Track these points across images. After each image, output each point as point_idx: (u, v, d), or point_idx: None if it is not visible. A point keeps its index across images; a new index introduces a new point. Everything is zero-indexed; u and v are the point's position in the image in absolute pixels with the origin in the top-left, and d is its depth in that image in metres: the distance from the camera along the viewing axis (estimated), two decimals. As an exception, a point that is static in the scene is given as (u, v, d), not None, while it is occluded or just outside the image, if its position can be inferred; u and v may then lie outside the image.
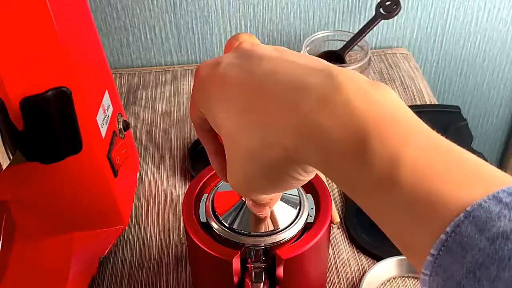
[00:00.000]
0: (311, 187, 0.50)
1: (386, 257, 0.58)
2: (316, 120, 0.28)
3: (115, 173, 0.58)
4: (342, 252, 0.60)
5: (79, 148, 0.49)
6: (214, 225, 0.46)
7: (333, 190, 0.67)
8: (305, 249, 0.45)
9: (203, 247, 0.45)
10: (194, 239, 0.46)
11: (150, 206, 0.66)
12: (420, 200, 0.25)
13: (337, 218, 0.63)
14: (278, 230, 0.46)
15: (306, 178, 0.33)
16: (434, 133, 0.28)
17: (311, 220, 0.47)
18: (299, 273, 0.47)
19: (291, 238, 0.46)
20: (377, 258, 0.59)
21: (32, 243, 0.57)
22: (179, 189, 0.68)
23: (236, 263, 0.45)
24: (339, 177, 0.29)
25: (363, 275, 0.57)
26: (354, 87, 0.28)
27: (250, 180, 0.33)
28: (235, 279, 0.46)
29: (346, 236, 0.62)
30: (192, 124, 0.77)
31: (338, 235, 0.62)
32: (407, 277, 0.57)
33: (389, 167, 0.26)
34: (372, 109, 0.27)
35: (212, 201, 0.48)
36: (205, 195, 0.50)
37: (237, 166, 0.33)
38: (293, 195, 0.48)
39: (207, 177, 0.51)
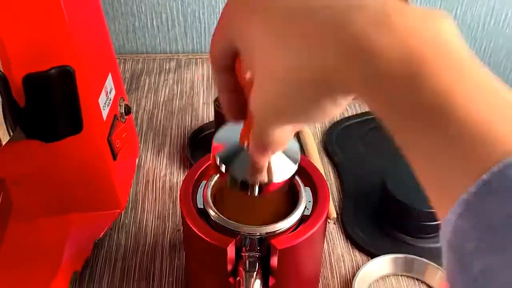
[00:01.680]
0: (309, 181, 0.50)
1: (380, 255, 0.58)
2: (369, 38, 0.26)
3: (114, 157, 0.58)
4: (337, 247, 0.60)
5: (80, 129, 0.49)
6: (211, 212, 0.46)
7: (332, 185, 0.67)
8: (300, 240, 0.45)
9: (198, 233, 0.45)
10: (190, 225, 0.46)
11: (148, 192, 0.66)
12: (468, 137, 0.24)
13: (333, 214, 0.63)
14: (275, 220, 0.46)
15: (334, 111, 0.31)
16: (492, 77, 0.26)
17: (308, 212, 0.47)
18: (293, 264, 0.47)
19: (287, 230, 0.46)
20: (372, 255, 0.59)
21: (28, 222, 0.57)
22: (177, 177, 0.68)
23: (230, 251, 0.45)
24: (383, 103, 0.27)
25: (357, 271, 0.57)
26: (414, 12, 0.27)
27: (277, 103, 0.31)
28: (229, 267, 0.46)
29: (341, 232, 0.62)
30: (193, 113, 0.77)
31: (334, 231, 0.62)
32: (401, 275, 0.57)
33: (441, 97, 0.25)
34: (432, 36, 0.26)
35: (210, 188, 0.48)
36: (203, 182, 0.50)
37: (266, 88, 0.31)
38: (292, 187, 0.49)
39: (207, 164, 0.51)
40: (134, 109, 0.77)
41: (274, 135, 0.34)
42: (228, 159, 0.40)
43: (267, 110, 0.32)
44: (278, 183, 0.40)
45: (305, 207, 0.48)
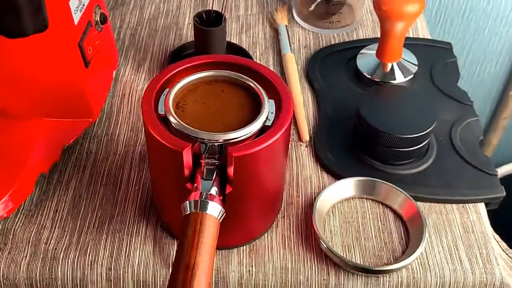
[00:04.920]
0: (274, 93, 0.49)
1: (347, 177, 0.58)
2: None
3: (86, 64, 0.57)
4: (305, 168, 0.60)
5: (44, 26, 0.48)
6: (171, 119, 0.46)
7: (309, 111, 0.67)
8: (257, 149, 0.45)
9: (157, 137, 0.45)
10: (150, 130, 0.46)
11: (123, 105, 0.66)
12: None
13: (306, 137, 0.63)
14: (234, 128, 0.46)
15: None
16: None
17: (269, 123, 0.47)
18: (250, 173, 0.47)
19: (246, 139, 0.46)
20: (340, 178, 0.59)
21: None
22: (155, 92, 0.67)
23: (187, 155, 0.45)
24: None
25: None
26: None
27: None
28: (186, 172, 0.46)
29: (312, 154, 0.62)
30: (177, 33, 0.76)
31: (305, 153, 0.62)
32: (366, 198, 0.58)
33: None
34: None
35: (173, 95, 0.48)
36: (167, 89, 0.49)
37: None
38: (255, 99, 0.48)
39: (172, 73, 0.50)
40: (117, 24, 0.76)
41: None
42: None
43: None
44: None
45: (267, 118, 0.47)
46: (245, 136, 0.46)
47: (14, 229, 0.54)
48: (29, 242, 0.53)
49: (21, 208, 0.55)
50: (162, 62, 0.71)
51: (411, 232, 0.55)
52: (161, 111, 0.48)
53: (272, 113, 0.48)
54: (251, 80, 0.49)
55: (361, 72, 0.70)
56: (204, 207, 0.44)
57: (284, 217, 0.56)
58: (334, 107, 0.67)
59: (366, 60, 0.71)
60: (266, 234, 0.54)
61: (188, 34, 0.76)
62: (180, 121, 0.46)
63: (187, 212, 0.44)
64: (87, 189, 0.57)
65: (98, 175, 0.58)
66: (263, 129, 0.47)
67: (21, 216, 0.55)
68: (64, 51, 0.55)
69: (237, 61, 0.52)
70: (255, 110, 0.48)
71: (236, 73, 0.50)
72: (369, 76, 0.69)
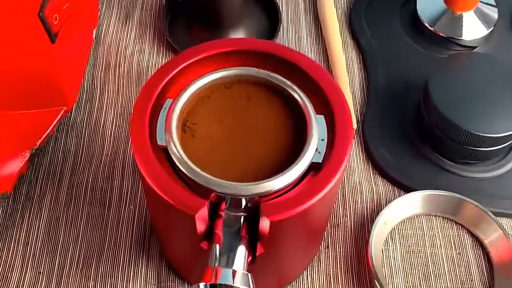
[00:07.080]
0: (326, 106, 0.33)
1: (409, 185, 0.44)
2: None
3: (52, 38, 0.41)
4: (353, 172, 0.46)
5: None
6: (175, 153, 0.31)
7: (354, 80, 0.51)
8: (304, 208, 0.30)
9: (155, 189, 0.30)
10: (144, 175, 0.31)
11: (108, 79, 0.50)
12: None
13: (353, 124, 0.48)
14: (270, 169, 0.31)
15: None
16: None
17: (319, 159, 0.32)
18: (291, 234, 0.33)
19: (287, 185, 0.31)
20: (400, 185, 0.45)
21: None
22: (149, 57, 0.51)
23: (201, 217, 0.31)
24: None
25: (378, 207, 0.43)
26: None
27: None
28: (200, 229, 0.32)
29: (362, 149, 0.47)
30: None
31: (352, 148, 0.47)
32: (434, 216, 0.44)
33: None
34: None
35: (179, 111, 0.32)
36: (169, 100, 0.34)
37: None
38: (298, 116, 0.33)
39: (181, 66, 0.34)
40: (96, -48, 0.57)
41: None
42: None
43: None
44: None
45: (316, 149, 0.32)
46: (284, 184, 0.31)
47: (-28, 273, 0.41)
48: (-7, 292, 0.40)
49: (-20, 241, 0.42)
50: (157, 11, 0.54)
51: (495, 268, 0.42)
52: (160, 140, 0.32)
53: (323, 140, 0.33)
54: (290, 84, 0.33)
55: (423, 22, 0.52)
56: (226, 291, 0.30)
57: (327, 246, 0.42)
58: (388, 74, 0.51)
59: (428, 5, 0.53)
60: (304, 273, 0.41)
61: (190, -36, 0.57)
62: (189, 160, 0.31)
63: (202, 299, 0.31)
64: (66, 208, 0.43)
65: (80, 188, 0.44)
66: (310, 166, 0.32)
67: (-20, 254, 0.41)
68: (18, 27, 0.38)
69: (268, 49, 0.35)
70: (297, 128, 0.33)
71: (268, 72, 0.34)
72: (432, 29, 0.52)
